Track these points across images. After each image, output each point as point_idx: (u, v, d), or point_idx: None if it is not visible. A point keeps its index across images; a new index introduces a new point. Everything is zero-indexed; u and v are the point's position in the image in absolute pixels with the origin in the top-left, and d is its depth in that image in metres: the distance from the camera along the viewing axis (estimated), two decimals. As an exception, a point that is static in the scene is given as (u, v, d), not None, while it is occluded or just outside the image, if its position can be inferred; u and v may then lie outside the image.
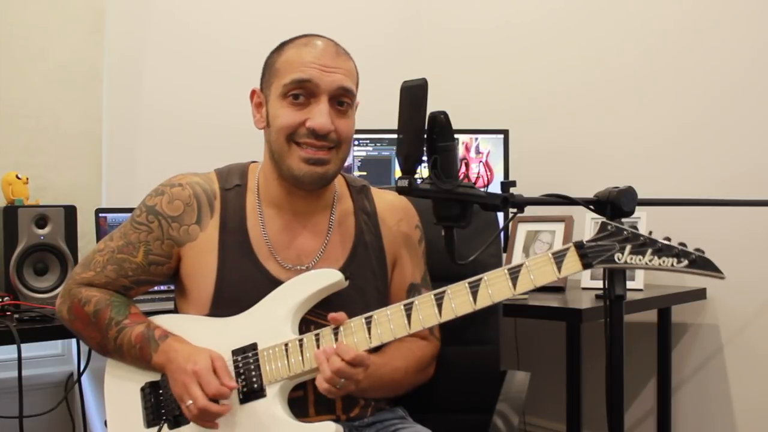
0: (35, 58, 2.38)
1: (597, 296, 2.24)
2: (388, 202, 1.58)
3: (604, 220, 1.29)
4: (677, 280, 2.52)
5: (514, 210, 1.37)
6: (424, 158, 1.36)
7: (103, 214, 2.23)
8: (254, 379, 1.36)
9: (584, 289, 2.48)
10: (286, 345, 1.35)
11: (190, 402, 1.30)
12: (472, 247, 1.43)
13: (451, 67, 3.31)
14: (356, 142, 2.76)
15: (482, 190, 1.37)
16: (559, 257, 1.28)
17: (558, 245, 2.50)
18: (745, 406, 2.48)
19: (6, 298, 1.91)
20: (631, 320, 2.47)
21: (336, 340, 1.33)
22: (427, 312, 1.32)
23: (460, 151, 2.75)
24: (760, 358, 2.44)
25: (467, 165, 2.61)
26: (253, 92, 1.50)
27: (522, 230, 2.62)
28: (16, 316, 1.86)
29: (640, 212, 2.33)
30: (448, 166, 1.35)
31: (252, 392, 1.35)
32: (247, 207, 1.48)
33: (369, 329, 1.33)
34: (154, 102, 2.70)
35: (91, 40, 2.49)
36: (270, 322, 1.38)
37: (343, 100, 1.42)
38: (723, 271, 1.23)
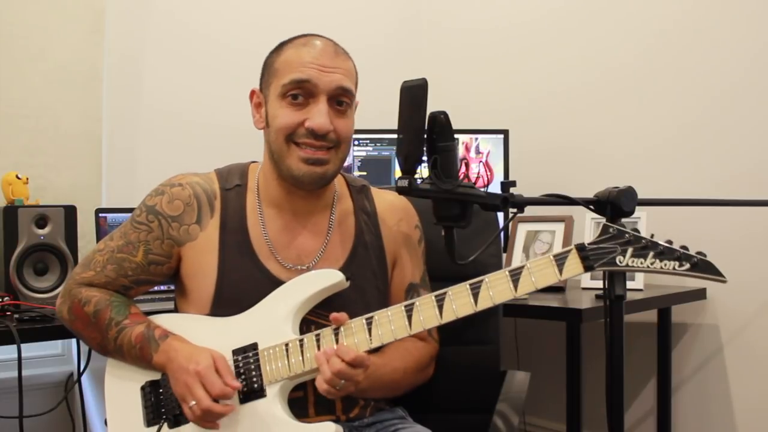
0: (35, 58, 2.38)
1: (597, 296, 2.24)
2: (388, 202, 1.58)
3: (606, 222, 1.29)
4: (677, 281, 2.52)
5: (514, 210, 1.37)
6: (424, 158, 1.36)
7: (103, 214, 2.23)
8: (254, 379, 1.36)
9: (584, 289, 2.48)
10: (287, 345, 1.35)
11: (193, 403, 1.30)
12: (472, 247, 1.43)
13: (451, 67, 3.31)
14: (356, 142, 2.76)
15: (482, 190, 1.37)
16: (560, 259, 1.28)
17: (558, 245, 2.51)
18: (745, 406, 2.48)
19: (6, 298, 1.91)
20: (631, 320, 2.47)
21: (336, 340, 1.33)
22: (428, 313, 1.32)
23: (460, 151, 2.75)
24: (760, 358, 2.44)
25: (467, 165, 2.61)
26: (253, 92, 1.50)
27: (522, 230, 2.62)
28: (16, 316, 1.86)
29: (640, 212, 2.34)
30: (448, 166, 1.35)
31: (252, 392, 1.35)
32: (248, 207, 1.48)
33: (369, 330, 1.33)
34: (154, 102, 2.70)
35: (91, 40, 2.49)
36: (271, 322, 1.38)
37: (342, 99, 1.42)
38: (725, 275, 1.23)
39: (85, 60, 2.47)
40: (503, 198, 1.34)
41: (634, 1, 2.75)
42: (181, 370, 1.34)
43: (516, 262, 2.57)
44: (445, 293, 1.32)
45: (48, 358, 2.49)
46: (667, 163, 2.65)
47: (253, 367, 1.36)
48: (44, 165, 2.37)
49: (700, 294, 2.50)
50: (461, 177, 1.37)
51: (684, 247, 1.24)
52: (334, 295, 1.41)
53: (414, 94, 1.34)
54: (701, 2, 2.58)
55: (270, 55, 1.48)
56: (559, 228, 2.54)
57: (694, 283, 2.49)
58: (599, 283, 2.12)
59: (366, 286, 1.48)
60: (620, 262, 1.25)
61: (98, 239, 2.17)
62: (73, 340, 2.32)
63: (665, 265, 1.24)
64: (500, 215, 1.56)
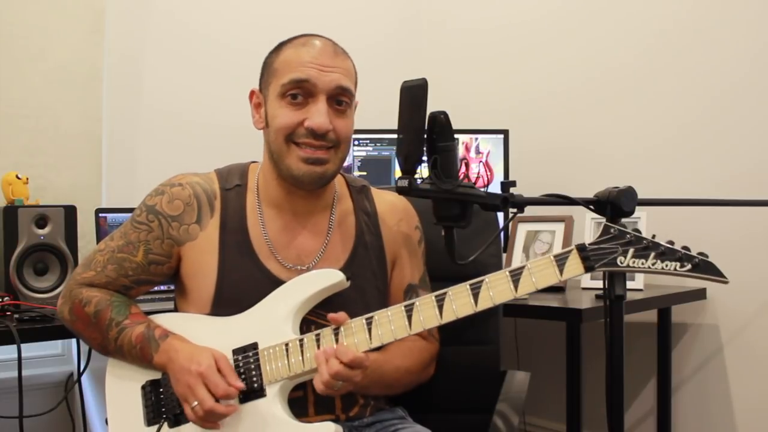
0: (35, 58, 2.38)
1: (597, 296, 2.24)
2: (388, 203, 1.58)
3: (607, 222, 1.29)
4: (677, 280, 2.52)
5: (514, 210, 1.37)
6: (424, 158, 1.36)
7: (103, 214, 2.23)
8: (254, 379, 1.36)
9: (584, 289, 2.48)
10: (287, 345, 1.35)
11: (196, 403, 1.30)
12: (472, 247, 1.43)
13: (451, 67, 3.31)
14: (356, 142, 2.76)
15: (482, 190, 1.37)
16: (561, 260, 1.28)
17: (558, 245, 2.51)
18: (745, 406, 2.48)
19: (6, 298, 1.91)
20: (631, 320, 2.47)
21: (336, 340, 1.33)
22: (428, 313, 1.32)
23: (460, 151, 2.75)
24: (760, 358, 2.44)
25: (467, 165, 2.61)
26: (252, 93, 1.50)
27: (522, 230, 2.62)
28: (16, 316, 1.86)
29: (640, 212, 2.34)
30: (448, 166, 1.35)
31: (252, 392, 1.35)
32: (247, 207, 1.48)
33: (369, 330, 1.33)
34: (154, 102, 2.70)
35: (91, 40, 2.49)
36: (271, 322, 1.38)
37: (341, 99, 1.42)
38: (725, 275, 1.23)
39: (85, 60, 2.47)
40: (503, 198, 1.34)
41: (634, 1, 2.75)
42: (183, 371, 1.34)
43: (516, 262, 2.57)
44: (445, 293, 1.32)
45: (48, 358, 2.49)
46: (667, 163, 2.65)
47: (253, 366, 1.36)
48: (44, 165, 2.37)
49: (700, 294, 2.50)
50: (461, 177, 1.37)
51: (685, 248, 1.24)
52: (334, 295, 1.41)
53: (414, 94, 1.34)
54: (701, 2, 2.58)
55: (269, 55, 1.48)
56: (559, 228, 2.54)
57: (694, 283, 2.48)
58: (599, 283, 2.12)
59: (366, 287, 1.48)
60: (621, 262, 1.25)
61: (98, 239, 2.17)
62: (73, 340, 2.32)
63: (666, 265, 1.24)
64: (500, 215, 1.56)
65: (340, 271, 1.40)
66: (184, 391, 1.33)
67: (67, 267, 2.05)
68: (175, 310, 1.53)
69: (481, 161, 2.78)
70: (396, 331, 1.32)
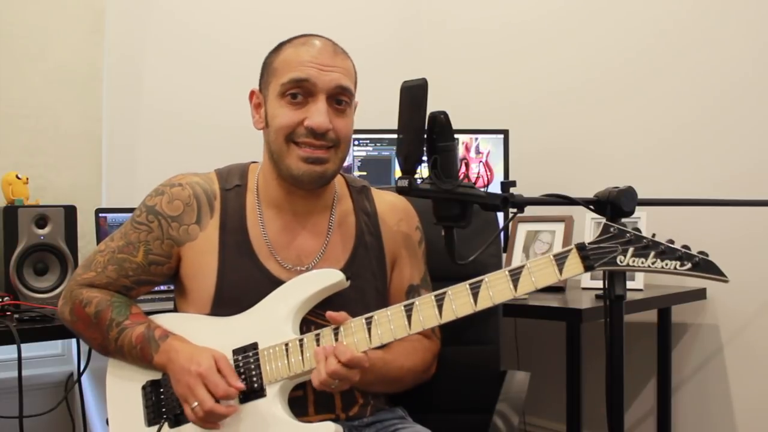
0: (35, 58, 2.38)
1: (597, 296, 2.24)
2: (388, 203, 1.58)
3: (607, 221, 1.29)
4: (677, 280, 2.52)
5: (514, 210, 1.37)
6: (424, 158, 1.36)
7: (103, 214, 2.23)
8: (254, 379, 1.36)
9: (584, 289, 2.48)
10: (287, 345, 1.35)
11: (196, 404, 1.30)
12: (472, 247, 1.43)
13: (451, 67, 3.31)
14: (356, 142, 2.76)
15: (482, 190, 1.37)
16: (560, 259, 1.28)
17: (558, 245, 2.51)
18: (745, 406, 2.48)
19: (6, 298, 1.91)
20: (631, 320, 2.47)
21: (336, 340, 1.33)
22: (427, 313, 1.32)
23: (460, 151, 2.75)
24: (760, 358, 2.44)
25: (467, 165, 2.61)
26: (252, 93, 1.50)
27: (522, 230, 2.62)
28: (16, 316, 1.86)
29: (640, 212, 2.34)
30: (448, 166, 1.35)
31: (252, 392, 1.35)
32: (247, 207, 1.48)
33: (369, 330, 1.33)
34: (154, 102, 2.70)
35: (91, 40, 2.49)
36: (271, 322, 1.38)
37: (341, 98, 1.42)
38: (726, 275, 1.23)
39: (85, 60, 2.47)
40: (503, 198, 1.34)
41: (634, 1, 2.75)
42: (183, 371, 1.34)
43: (516, 262, 2.57)
44: (444, 293, 1.32)
45: (48, 358, 2.49)
46: (667, 163, 2.65)
47: (253, 366, 1.36)
48: (44, 165, 2.37)
49: (700, 294, 2.50)
50: (461, 177, 1.37)
51: (686, 247, 1.24)
52: (334, 295, 1.41)
53: (414, 94, 1.34)
54: (701, 2, 2.58)
55: (269, 55, 1.48)
56: (559, 228, 2.54)
57: (694, 283, 2.49)
58: (599, 283, 2.12)
59: (366, 287, 1.48)
60: (621, 261, 1.25)
61: (98, 239, 2.17)
62: (73, 340, 2.32)
63: (666, 264, 1.23)
64: (500, 215, 1.56)
65: (340, 271, 1.40)
66: (184, 391, 1.33)
67: (67, 267, 2.05)
68: (175, 310, 1.53)
69: (481, 161, 2.78)
70: (395, 330, 1.32)
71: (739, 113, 2.48)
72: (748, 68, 2.47)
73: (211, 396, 1.30)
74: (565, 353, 2.15)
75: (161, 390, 1.41)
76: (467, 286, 1.31)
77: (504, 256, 2.45)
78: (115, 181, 2.57)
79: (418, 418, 1.53)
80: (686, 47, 2.61)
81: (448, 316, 1.31)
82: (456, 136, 1.39)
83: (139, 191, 1.62)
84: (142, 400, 1.43)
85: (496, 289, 1.29)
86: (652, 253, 1.24)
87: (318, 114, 1.38)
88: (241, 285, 1.42)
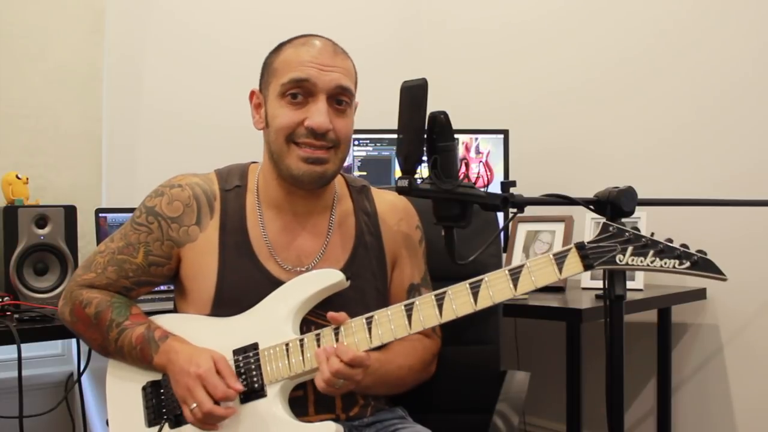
0: (35, 58, 2.38)
1: (597, 296, 2.24)
2: (388, 203, 1.58)
3: (605, 220, 1.29)
4: (677, 280, 2.52)
5: (514, 210, 1.37)
6: (424, 158, 1.36)
7: (103, 214, 2.23)
8: (255, 379, 1.36)
9: (584, 289, 2.48)
10: (287, 345, 1.35)
11: (195, 405, 1.30)
12: (472, 247, 1.43)
13: (451, 67, 3.31)
14: (356, 142, 2.76)
15: (482, 190, 1.37)
16: (560, 258, 1.28)
17: (558, 245, 2.50)
18: (745, 406, 2.48)
19: (6, 298, 1.91)
20: (631, 320, 2.47)
21: (337, 340, 1.33)
22: (427, 312, 1.32)
23: (460, 151, 2.75)
24: (760, 358, 2.44)
25: (467, 165, 2.61)
26: (252, 93, 1.50)
27: (522, 230, 2.62)
28: (16, 316, 1.86)
29: (640, 212, 2.34)
30: (448, 166, 1.35)
31: (253, 392, 1.35)
32: (247, 208, 1.48)
33: (369, 329, 1.33)
34: (154, 102, 2.70)
35: (91, 40, 2.49)
36: (271, 322, 1.38)
37: (341, 99, 1.42)
38: (725, 274, 1.23)
39: (85, 60, 2.47)
40: (503, 198, 1.34)
41: (634, 1, 2.75)
42: (182, 373, 1.34)
43: (516, 262, 2.57)
44: (444, 292, 1.32)
45: (48, 358, 2.49)
46: (667, 163, 2.65)
47: (253, 367, 1.36)
48: (44, 165, 2.37)
49: (700, 294, 2.50)
50: (461, 177, 1.37)
51: (684, 246, 1.24)
52: (334, 295, 1.41)
53: (414, 94, 1.35)
54: (701, 2, 2.58)
55: (269, 55, 1.48)
56: (559, 228, 2.54)
57: (694, 283, 2.49)
58: (599, 283, 2.13)
59: (366, 287, 1.48)
60: (620, 260, 1.25)
61: (98, 239, 2.17)
62: (73, 340, 2.32)
63: (665, 263, 1.24)
64: (500, 215, 1.56)
65: (340, 271, 1.40)
66: (183, 392, 1.33)
67: (67, 267, 2.05)
68: (175, 310, 1.53)
69: (481, 161, 2.78)
70: (396, 330, 1.32)
71: (739, 113, 2.48)
72: (748, 68, 2.47)
73: (210, 397, 1.30)
74: (565, 353, 2.15)
75: (161, 391, 1.41)
76: (467, 285, 1.31)
77: (504, 256, 2.45)
78: (115, 181, 2.57)
79: (418, 418, 1.53)
80: (686, 47, 2.61)
81: (449, 315, 1.31)
82: (456, 136, 1.39)
83: (139, 191, 1.62)
84: (142, 400, 1.43)
85: (496, 289, 1.29)
86: (651, 252, 1.24)
87: (318, 114, 1.38)
88: (241, 286, 1.42)
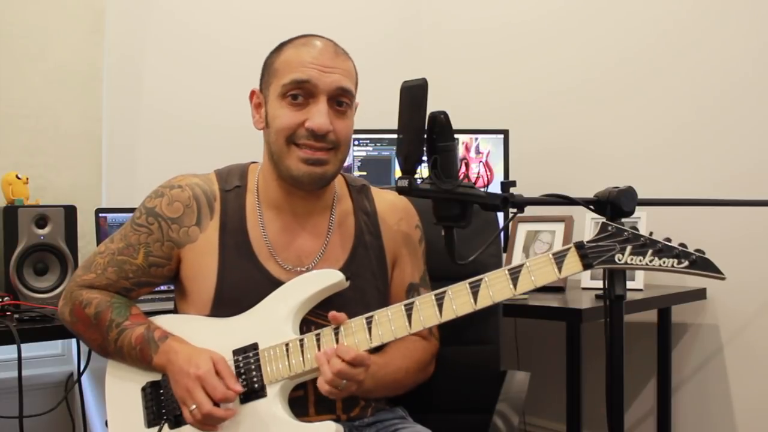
0: (35, 58, 2.38)
1: (597, 296, 2.24)
2: (388, 202, 1.58)
3: (605, 220, 1.29)
4: (677, 280, 2.52)
5: (514, 210, 1.37)
6: (424, 158, 1.36)
7: (103, 214, 2.23)
8: (255, 379, 1.36)
9: (584, 289, 2.48)
10: (287, 345, 1.35)
11: (194, 407, 1.30)
12: (472, 247, 1.43)
13: (451, 67, 3.31)
14: (356, 142, 2.76)
15: (482, 190, 1.37)
16: (559, 258, 1.28)
17: (558, 245, 2.51)
18: (745, 406, 2.48)
19: (6, 298, 1.91)
20: (631, 320, 2.47)
21: (336, 340, 1.33)
22: (427, 312, 1.32)
23: (460, 151, 2.75)
24: (760, 358, 2.44)
25: (467, 165, 2.61)
26: (253, 93, 1.50)
27: (522, 230, 2.62)
28: (16, 316, 1.86)
29: (640, 212, 2.34)
30: (448, 166, 1.35)
31: (253, 392, 1.35)
32: (247, 208, 1.48)
33: (369, 329, 1.33)
34: (154, 102, 2.70)
35: (91, 40, 2.49)
36: (271, 323, 1.38)
37: (342, 100, 1.42)
38: (723, 272, 1.23)
39: (85, 60, 2.47)
40: (503, 198, 1.34)
41: (634, 1, 2.75)
42: (182, 373, 1.34)
43: (516, 262, 2.56)
44: (444, 292, 1.32)
45: (48, 358, 2.49)
46: (667, 163, 2.65)
47: (253, 367, 1.36)
48: (44, 165, 2.37)
49: (700, 294, 2.50)
50: (461, 177, 1.37)
51: (683, 245, 1.24)
52: (334, 295, 1.41)
53: (414, 94, 1.35)
54: (701, 2, 2.58)
55: (270, 55, 1.48)
56: (559, 228, 2.54)
57: (694, 283, 2.49)
58: (599, 283, 2.13)
59: (366, 287, 1.48)
60: (619, 259, 1.25)
61: (98, 239, 2.17)
62: (73, 340, 2.32)
63: (664, 262, 1.24)
64: (500, 215, 1.56)
65: (340, 271, 1.40)
66: (182, 393, 1.33)
67: (67, 267, 2.05)
68: (175, 311, 1.53)
69: (481, 161, 2.78)
70: (396, 330, 1.32)
71: (739, 113, 2.48)
72: (748, 68, 2.47)
73: (209, 399, 1.30)
74: (565, 353, 2.15)
75: (161, 391, 1.41)
76: (467, 285, 1.31)
77: (504, 256, 2.45)
78: (115, 181, 2.57)
79: (419, 418, 1.53)
80: (686, 47, 2.61)
81: (448, 315, 1.31)
82: (456, 136, 1.39)
83: (139, 191, 1.62)
84: (141, 401, 1.43)
85: (495, 288, 1.29)
86: (650, 251, 1.24)
87: (319, 115, 1.38)
88: (241, 286, 1.42)
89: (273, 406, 1.34)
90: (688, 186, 2.58)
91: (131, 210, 1.53)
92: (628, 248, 1.25)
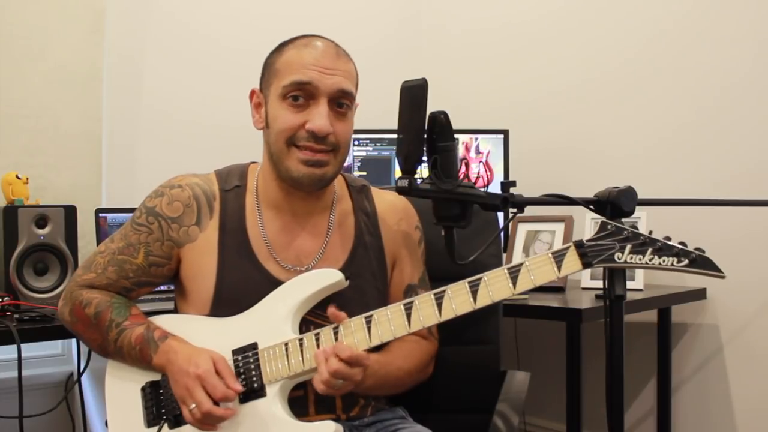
0: (35, 58, 2.38)
1: (597, 296, 2.24)
2: (388, 203, 1.58)
3: (604, 219, 1.29)
4: (677, 280, 2.52)
5: (514, 210, 1.37)
6: (424, 158, 1.36)
7: (103, 214, 2.23)
8: (254, 379, 1.36)
9: (584, 289, 2.48)
10: (286, 345, 1.35)
11: (194, 406, 1.30)
12: (472, 247, 1.43)
13: (451, 67, 3.31)
14: (356, 142, 2.76)
15: (482, 190, 1.37)
16: (558, 257, 1.28)
17: (558, 245, 2.48)
18: (745, 406, 2.48)
19: (6, 298, 1.91)
20: (631, 320, 2.47)
21: (336, 339, 1.33)
22: (427, 311, 1.32)
23: (460, 151, 2.75)
24: (760, 358, 2.44)
25: (467, 165, 2.61)
26: (252, 92, 1.50)
27: (522, 230, 2.62)
28: (16, 316, 1.86)
29: (640, 212, 2.34)
30: (448, 166, 1.35)
31: (252, 392, 1.35)
32: (247, 208, 1.48)
33: (369, 329, 1.33)
34: (154, 102, 2.70)
35: (91, 40, 2.49)
36: (270, 322, 1.38)
37: (342, 102, 1.42)
38: (725, 274, 1.23)
39: (85, 60, 2.47)
40: (503, 198, 1.34)
41: (634, 1, 2.75)
42: (181, 373, 1.34)
43: (516, 262, 2.57)
44: (443, 291, 1.32)
45: (48, 358, 2.49)
46: (667, 163, 2.65)
47: (253, 366, 1.36)
48: (44, 165, 2.37)
49: (700, 294, 2.50)
50: (461, 177, 1.37)
51: (682, 243, 1.24)
52: (334, 295, 1.41)
53: (414, 94, 1.34)
54: (701, 2, 2.58)
55: (270, 55, 1.47)
56: (559, 228, 2.54)
57: (694, 283, 2.49)
58: (599, 283, 2.13)
59: (365, 287, 1.48)
60: (618, 258, 1.25)
61: (98, 239, 2.17)
62: (73, 340, 2.32)
63: (664, 261, 1.23)
64: (500, 215, 1.56)
65: (339, 271, 1.40)
66: (182, 393, 1.33)
67: (67, 267, 2.05)
68: (175, 311, 1.53)
69: (481, 161, 2.78)
70: (395, 329, 1.32)
71: (739, 113, 2.48)
72: (747, 68, 2.47)
73: (209, 398, 1.30)
74: (565, 353, 2.15)
75: (161, 391, 1.41)
76: (466, 284, 1.31)
77: (504, 256, 2.45)
78: (115, 181, 2.57)
79: (419, 418, 1.53)
80: (686, 47, 2.61)
81: (448, 314, 1.31)
82: (456, 136, 1.39)
83: (139, 191, 1.62)
84: (141, 401, 1.43)
85: (495, 287, 1.29)
86: (650, 250, 1.24)
87: (319, 117, 1.38)
88: (241, 286, 1.42)
89: (272, 405, 1.34)
90: (688, 186, 2.58)
91: (131, 210, 1.53)
92: (628, 247, 1.25)
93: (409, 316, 1.32)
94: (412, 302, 1.33)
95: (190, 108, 2.76)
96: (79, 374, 2.24)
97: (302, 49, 1.42)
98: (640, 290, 2.41)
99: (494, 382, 1.64)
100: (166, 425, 1.39)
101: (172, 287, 1.55)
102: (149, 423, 1.41)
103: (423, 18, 3.45)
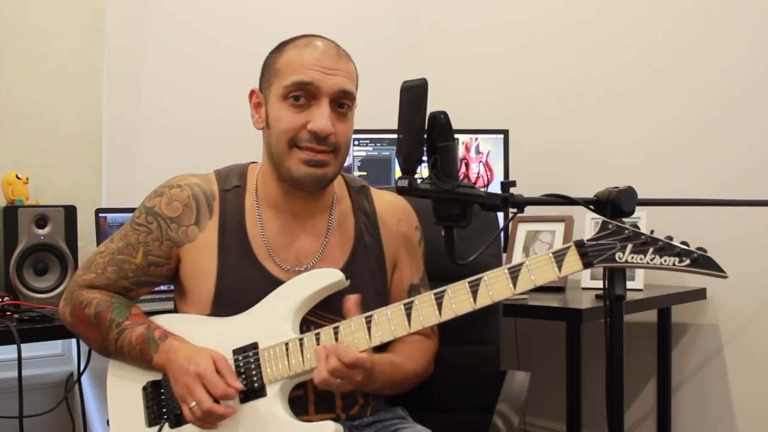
0: (35, 58, 2.38)
1: (597, 296, 2.24)
2: (387, 203, 1.58)
3: (605, 219, 1.29)
4: (677, 280, 2.52)
5: (514, 210, 1.37)
6: (424, 158, 1.36)
7: (103, 214, 2.23)
8: (255, 379, 1.36)
9: (584, 289, 2.48)
10: (287, 344, 1.35)
11: (194, 404, 1.30)
12: (472, 247, 1.43)
13: (451, 67, 3.31)
14: (356, 142, 2.76)
15: (482, 190, 1.37)
16: (559, 256, 1.27)
17: (558, 245, 2.48)
18: (745, 406, 2.48)
19: (6, 298, 1.91)
20: (631, 320, 2.47)
21: (336, 339, 1.33)
22: (427, 311, 1.32)
23: (460, 151, 2.75)
24: (760, 358, 2.44)
25: (467, 165, 2.61)
26: (252, 92, 1.50)
27: (522, 230, 2.62)
28: (16, 316, 1.86)
29: (640, 212, 2.34)
30: (448, 166, 1.35)
31: (252, 391, 1.35)
32: (246, 208, 1.48)
33: (369, 329, 1.33)
34: (154, 102, 2.70)
35: (91, 40, 2.49)
36: (270, 322, 1.38)
37: (343, 102, 1.42)
38: (725, 270, 1.22)
39: (85, 60, 2.47)
40: (503, 198, 1.34)
41: (634, 1, 2.75)
42: (182, 371, 1.34)
43: (516, 262, 2.57)
44: (443, 291, 1.31)
45: (48, 358, 2.49)
46: (667, 163, 2.65)
47: (253, 366, 1.36)
48: (44, 165, 2.37)
49: (700, 294, 2.50)
50: (461, 177, 1.37)
51: (684, 243, 1.24)
52: (334, 295, 1.41)
53: (414, 94, 1.34)
54: (701, 2, 2.58)
55: (271, 54, 1.47)
56: (559, 228, 2.54)
57: (694, 282, 2.49)
58: (599, 283, 2.13)
59: (365, 287, 1.48)
60: (619, 258, 1.25)
61: (98, 239, 2.17)
62: (73, 340, 2.32)
63: (665, 261, 1.23)
64: (500, 215, 1.56)
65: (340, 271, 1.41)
66: (182, 391, 1.33)
67: (67, 267, 2.04)
68: (175, 310, 1.53)
69: (481, 161, 2.78)
70: (395, 329, 1.32)
71: (739, 113, 2.48)
72: (747, 68, 2.47)
73: (209, 396, 1.30)
74: (565, 353, 2.15)
75: (161, 390, 1.41)
76: (466, 284, 1.31)
77: (504, 256, 2.45)
78: (115, 181, 2.57)
79: (418, 418, 1.53)
80: (686, 47, 2.61)
81: (448, 314, 1.31)
82: (456, 136, 1.39)
83: (139, 191, 1.62)
84: (142, 400, 1.43)
85: (495, 287, 1.29)
86: (651, 250, 1.24)
87: (321, 118, 1.38)
88: (241, 286, 1.42)
89: (273, 405, 1.34)
90: (688, 186, 2.58)
91: (131, 210, 1.53)
92: (629, 247, 1.25)
93: (409, 316, 1.32)
94: (412, 302, 1.33)
95: (190, 108, 2.76)
96: (79, 374, 2.24)
97: (303, 49, 1.42)
98: (640, 290, 2.41)
99: (494, 382, 1.64)
100: (167, 424, 1.39)
101: (172, 287, 1.55)
102: (150, 422, 1.41)
103: (423, 18, 3.45)
